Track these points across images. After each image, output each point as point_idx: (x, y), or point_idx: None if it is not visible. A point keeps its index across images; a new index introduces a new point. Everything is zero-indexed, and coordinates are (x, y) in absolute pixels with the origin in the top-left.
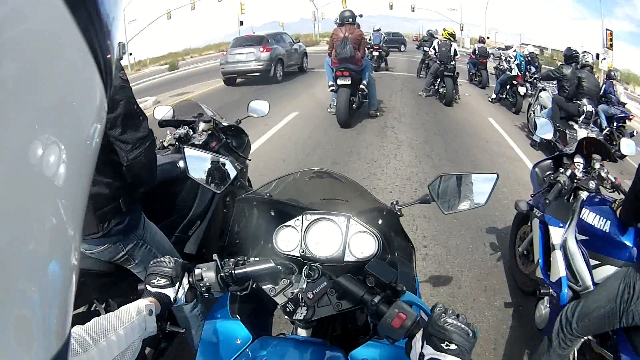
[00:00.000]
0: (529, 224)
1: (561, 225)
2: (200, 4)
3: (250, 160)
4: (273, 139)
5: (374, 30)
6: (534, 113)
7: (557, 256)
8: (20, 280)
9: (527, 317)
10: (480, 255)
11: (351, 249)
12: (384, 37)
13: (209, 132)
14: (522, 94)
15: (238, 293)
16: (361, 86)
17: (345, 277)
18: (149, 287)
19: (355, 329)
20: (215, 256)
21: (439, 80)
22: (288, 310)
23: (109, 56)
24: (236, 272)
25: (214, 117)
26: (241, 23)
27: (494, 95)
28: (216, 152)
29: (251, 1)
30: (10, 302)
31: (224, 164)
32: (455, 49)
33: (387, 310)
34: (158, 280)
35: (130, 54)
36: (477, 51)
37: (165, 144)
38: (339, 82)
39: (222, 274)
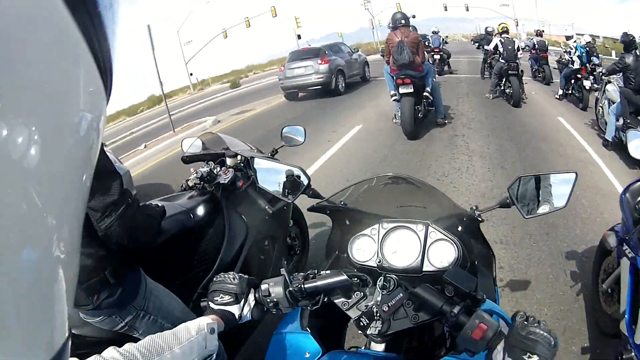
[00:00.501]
0: (617, 260)
1: None
2: (255, 21)
3: (289, 200)
4: (336, 157)
5: (432, 33)
6: (602, 109)
7: None
8: (20, 282)
9: None
10: (561, 288)
11: (430, 258)
12: (443, 40)
13: (235, 168)
14: (587, 87)
15: (309, 307)
16: (425, 93)
17: (423, 288)
18: (212, 305)
19: (432, 340)
20: (283, 270)
21: (504, 80)
22: (362, 324)
23: (109, 56)
24: (306, 286)
25: (241, 152)
26: (299, 37)
27: (560, 92)
28: (243, 194)
29: (307, 14)
30: (10, 302)
31: (298, 176)
32: (518, 46)
33: (467, 321)
34: (222, 297)
35: (191, 74)
36: (536, 45)
37: (190, 184)
38: (401, 90)
39: (290, 289)
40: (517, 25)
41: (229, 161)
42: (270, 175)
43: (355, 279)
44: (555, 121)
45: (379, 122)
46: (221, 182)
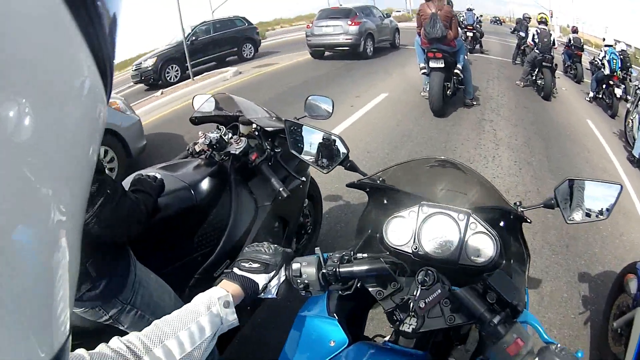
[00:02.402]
0: (632, 304)
1: None
2: None
3: (303, 180)
4: (358, 124)
5: (467, 10)
6: (632, 123)
7: None
8: (19, 280)
9: None
10: (573, 311)
11: (467, 250)
12: (477, 18)
13: (248, 137)
14: (618, 96)
15: (339, 292)
16: (456, 70)
17: (466, 290)
18: (235, 270)
19: (457, 338)
20: (317, 250)
21: (536, 70)
22: (395, 319)
23: (109, 56)
24: (341, 270)
25: (256, 119)
26: None
27: (591, 94)
28: (255, 169)
29: None
30: (10, 302)
31: (334, 141)
32: (554, 39)
33: (504, 333)
34: (250, 264)
35: None
36: (572, 41)
37: (197, 149)
38: (432, 64)
39: (324, 271)
40: (552, 16)
41: (242, 128)
42: (303, 141)
43: (392, 267)
44: (583, 123)
45: (406, 93)
46: (232, 151)
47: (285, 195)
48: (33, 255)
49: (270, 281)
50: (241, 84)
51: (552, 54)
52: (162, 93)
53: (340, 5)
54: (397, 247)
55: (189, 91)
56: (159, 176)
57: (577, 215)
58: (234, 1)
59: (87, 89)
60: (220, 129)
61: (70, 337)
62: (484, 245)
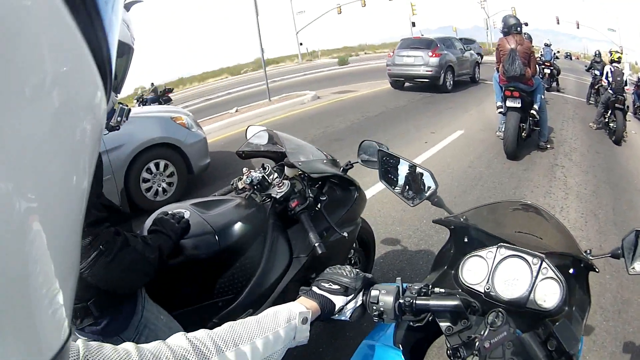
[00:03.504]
0: None
1: None
2: (371, 2)
3: (344, 235)
4: (430, 162)
5: (544, 45)
6: None
7: None
8: (19, 280)
9: None
10: None
11: (536, 294)
12: (554, 53)
13: (294, 182)
14: None
15: (411, 323)
16: (532, 111)
17: (530, 336)
18: (315, 289)
19: None
20: (399, 279)
21: (609, 112)
22: (458, 355)
23: (109, 56)
24: (417, 302)
25: (300, 163)
26: (413, 24)
27: None
28: (292, 218)
29: (423, 3)
30: (9, 301)
31: (421, 174)
32: (627, 79)
33: None
34: (330, 285)
35: (301, 44)
36: None
37: (240, 186)
38: (508, 103)
39: (401, 301)
40: (622, 53)
41: (287, 171)
42: (393, 172)
43: (467, 304)
44: None
45: (482, 132)
46: (273, 195)
47: (320, 252)
48: (32, 257)
49: (347, 304)
50: (318, 109)
51: (624, 94)
52: (236, 111)
53: (422, 35)
54: (471, 286)
55: (264, 111)
56: (186, 215)
57: (639, 265)
58: (319, 23)
59: (86, 90)
60: (265, 168)
61: (71, 338)
62: (552, 290)
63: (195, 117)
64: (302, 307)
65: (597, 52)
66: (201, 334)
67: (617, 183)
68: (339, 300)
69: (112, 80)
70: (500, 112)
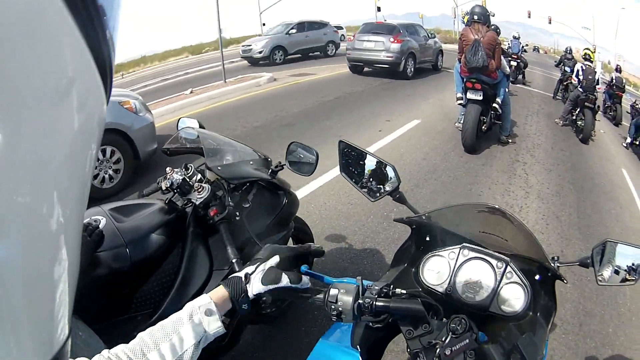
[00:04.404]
0: None
1: None
2: None
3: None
4: (383, 152)
5: (513, 37)
6: None
7: None
8: (20, 282)
9: None
10: None
11: (499, 298)
12: (523, 47)
13: (215, 187)
14: None
15: (370, 324)
16: (494, 105)
17: (494, 348)
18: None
19: None
20: (359, 278)
21: (578, 110)
22: None
23: (109, 56)
24: (378, 303)
25: (221, 167)
26: (378, 9)
27: (628, 139)
28: (210, 229)
29: None
30: (10, 303)
31: (384, 169)
32: (598, 78)
33: None
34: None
35: (264, 24)
36: (614, 81)
37: (163, 187)
38: (469, 95)
39: (361, 302)
40: (594, 52)
41: (209, 174)
42: (354, 165)
43: (429, 308)
44: (618, 173)
45: (440, 122)
46: (193, 200)
47: (237, 270)
48: (33, 260)
49: (252, 273)
50: (273, 92)
51: (595, 94)
52: (191, 92)
53: (385, 20)
54: (431, 286)
55: (219, 93)
56: (101, 224)
57: (609, 278)
58: (284, 4)
59: (86, 89)
60: (188, 169)
61: (70, 339)
62: (516, 295)
63: (149, 99)
64: (205, 298)
65: (569, 49)
66: (117, 349)
67: (581, 184)
68: (242, 273)
69: (112, 80)
70: (460, 104)
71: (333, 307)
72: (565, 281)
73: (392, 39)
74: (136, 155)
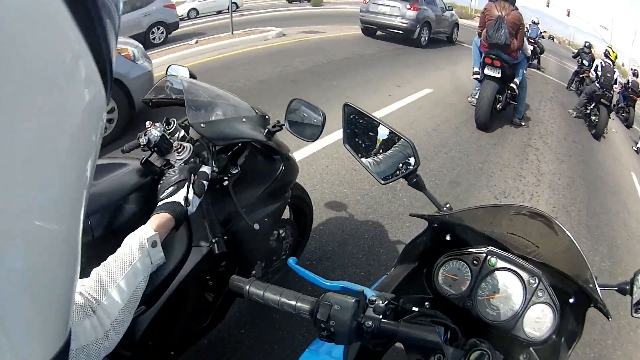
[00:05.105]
0: None
1: None
2: None
3: (256, 228)
4: (391, 118)
5: (532, 22)
6: None
7: None
8: (20, 282)
9: None
10: None
11: (524, 320)
12: (541, 32)
13: (199, 146)
14: None
15: (370, 347)
16: (512, 85)
17: None
18: (158, 203)
19: None
20: (361, 292)
21: (592, 104)
22: None
23: (109, 56)
24: (383, 326)
25: (205, 124)
26: None
27: (639, 144)
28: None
29: None
30: (11, 302)
31: (399, 145)
32: (617, 78)
33: None
34: (165, 192)
35: None
36: (630, 84)
37: (142, 143)
38: (487, 71)
39: (361, 322)
40: (615, 52)
41: (192, 132)
42: (362, 136)
43: (446, 330)
44: (627, 176)
45: (452, 95)
46: (172, 161)
47: (217, 252)
48: (32, 259)
49: (187, 194)
50: (280, 47)
51: (612, 91)
52: (196, 42)
53: None
54: (447, 294)
55: (224, 44)
56: None
57: None
58: None
59: (86, 89)
60: (170, 123)
61: (71, 338)
62: (544, 319)
63: (153, 49)
64: (149, 230)
65: (588, 44)
66: (82, 289)
67: (592, 180)
68: (179, 197)
69: (112, 79)
70: (475, 78)
71: (323, 325)
72: (609, 318)
73: (408, 6)
74: (131, 104)
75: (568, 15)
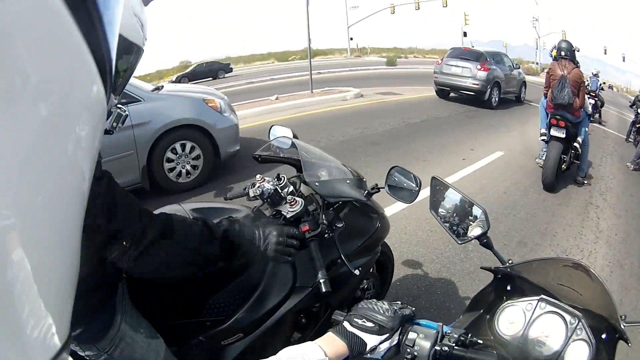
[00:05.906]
0: None
1: None
2: (425, 5)
3: (356, 274)
4: (466, 182)
5: (592, 74)
6: None
7: None
8: (20, 282)
9: None
10: None
11: (565, 356)
12: (600, 85)
13: (309, 201)
14: None
15: None
16: (575, 144)
17: None
18: (346, 324)
19: None
20: (440, 325)
21: None
22: None
23: (109, 56)
24: (455, 352)
25: (318, 183)
26: (465, 34)
27: None
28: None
29: (477, 14)
30: (10, 302)
31: (473, 211)
32: None
33: None
34: (364, 321)
35: (351, 38)
36: None
37: (251, 194)
38: (552, 132)
39: (437, 348)
40: None
41: (303, 187)
42: (444, 204)
43: None
44: None
45: (521, 156)
46: (284, 212)
47: (324, 290)
48: (32, 258)
49: (380, 344)
50: (359, 108)
51: None
52: (276, 98)
53: (473, 46)
54: (504, 337)
55: (304, 103)
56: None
57: None
58: (371, 21)
59: (86, 89)
60: (280, 179)
61: (71, 338)
62: (581, 353)
63: (233, 100)
64: (319, 352)
65: None
66: None
67: None
68: (371, 340)
69: (112, 79)
70: (543, 140)
71: (409, 350)
72: (629, 344)
73: (479, 66)
74: (217, 154)
75: (623, 60)
